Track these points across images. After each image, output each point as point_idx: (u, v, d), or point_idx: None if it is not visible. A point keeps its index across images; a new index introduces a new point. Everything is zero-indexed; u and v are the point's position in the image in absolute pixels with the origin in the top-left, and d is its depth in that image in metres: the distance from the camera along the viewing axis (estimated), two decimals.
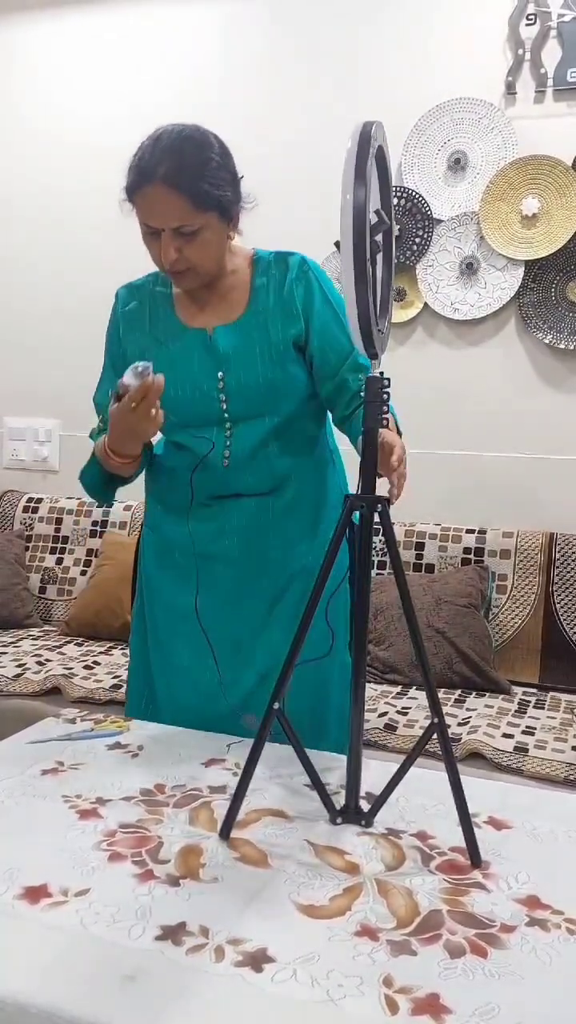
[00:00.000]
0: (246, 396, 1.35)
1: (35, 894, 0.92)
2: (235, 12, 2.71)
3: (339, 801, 1.14)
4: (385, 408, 1.10)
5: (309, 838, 1.08)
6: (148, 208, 1.25)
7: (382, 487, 1.11)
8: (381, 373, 1.10)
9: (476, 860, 1.03)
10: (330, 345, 1.36)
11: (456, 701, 2.07)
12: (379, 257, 1.11)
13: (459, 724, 1.90)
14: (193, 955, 0.83)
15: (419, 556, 2.43)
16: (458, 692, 2.14)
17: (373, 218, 1.03)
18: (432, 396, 2.57)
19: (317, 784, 1.12)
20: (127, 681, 1.59)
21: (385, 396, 1.10)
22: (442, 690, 2.14)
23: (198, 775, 1.26)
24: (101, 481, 1.41)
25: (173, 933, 0.87)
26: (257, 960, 0.83)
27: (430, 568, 2.41)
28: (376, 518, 1.08)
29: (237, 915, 0.90)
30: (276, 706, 1.08)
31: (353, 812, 1.13)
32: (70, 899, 0.92)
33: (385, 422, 1.10)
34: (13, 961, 0.82)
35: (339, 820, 1.12)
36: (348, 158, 0.96)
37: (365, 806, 1.13)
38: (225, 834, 1.07)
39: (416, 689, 2.14)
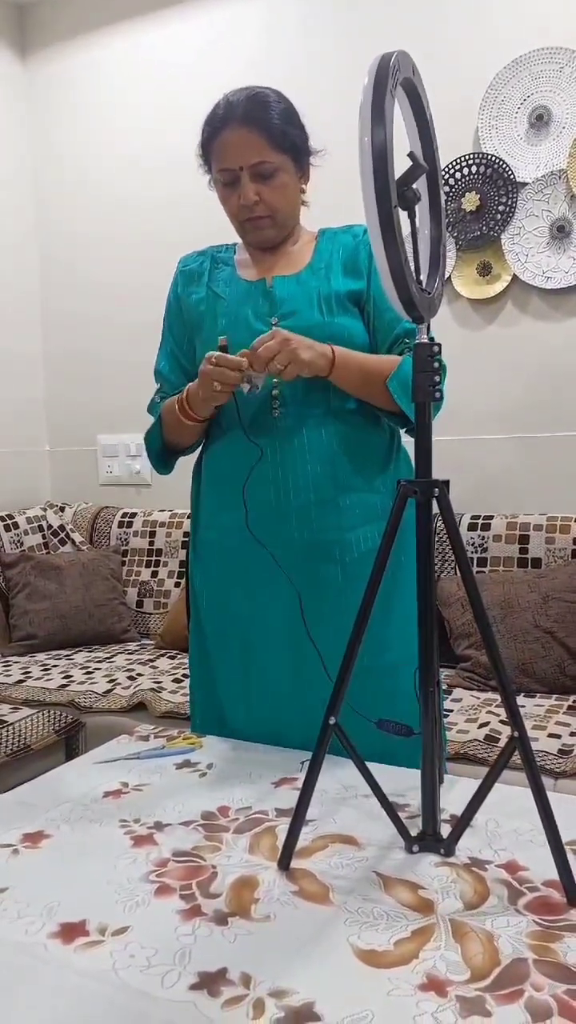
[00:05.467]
0: None
1: (71, 932, 0.85)
2: None
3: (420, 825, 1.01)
4: (436, 378, 0.97)
5: (379, 869, 0.96)
6: (227, 149, 1.28)
7: (439, 471, 0.98)
8: (431, 338, 0.97)
9: (573, 897, 0.87)
10: (387, 307, 1.33)
11: (569, 708, 1.87)
12: (421, 208, 0.99)
13: (572, 734, 1.71)
14: (229, 1009, 0.73)
15: (523, 550, 2.24)
16: (572, 699, 1.93)
17: (407, 162, 0.91)
18: (529, 375, 2.37)
19: (387, 806, 1.00)
20: (190, 699, 1.52)
21: (436, 365, 0.97)
22: (553, 696, 1.95)
23: (266, 796, 1.17)
24: (160, 446, 1.43)
25: (211, 981, 0.77)
26: (301, 1017, 0.72)
27: (536, 563, 2.21)
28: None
29: (285, 961, 0.80)
30: (332, 720, 0.97)
31: (432, 839, 1.00)
32: (107, 939, 0.84)
33: (438, 395, 0.97)
34: (32, 1012, 0.74)
35: (415, 848, 0.99)
36: (364, 95, 0.84)
37: (449, 831, 0.99)
38: (284, 864, 0.96)
39: (524, 696, 1.95)
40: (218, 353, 1.20)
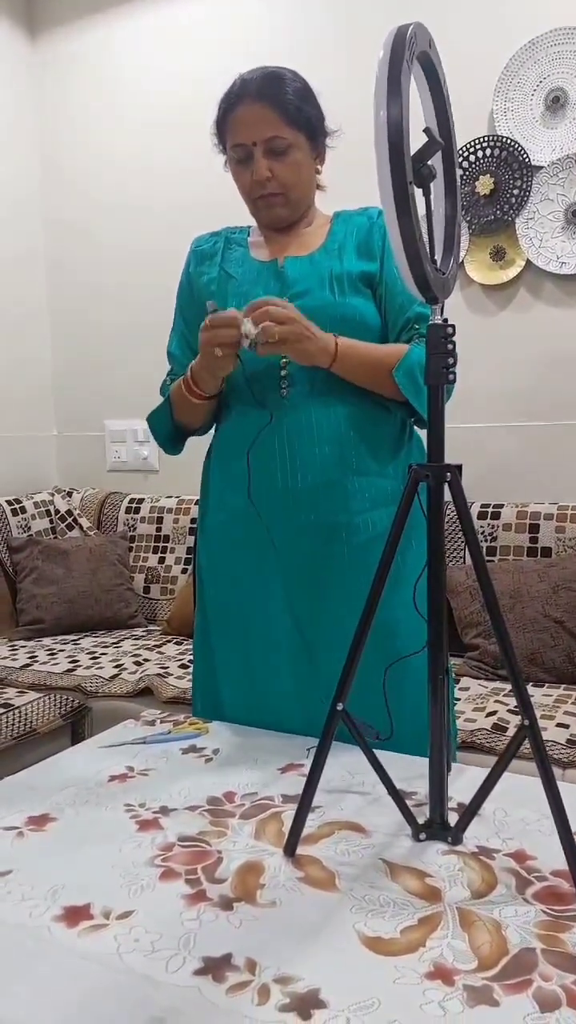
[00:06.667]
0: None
1: (75, 916, 0.85)
2: None
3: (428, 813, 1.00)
4: (450, 360, 0.95)
5: (385, 856, 0.95)
6: (240, 124, 1.27)
7: (449, 457, 0.96)
8: (445, 320, 0.95)
9: None
10: (399, 291, 1.31)
11: None
12: (436, 186, 0.97)
13: None
14: (234, 995, 0.72)
15: (533, 539, 2.22)
16: None
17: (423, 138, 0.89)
18: (541, 362, 2.35)
19: (394, 793, 0.99)
20: (192, 684, 1.51)
21: (450, 346, 0.95)
22: (562, 686, 1.94)
23: (272, 782, 1.16)
24: (170, 427, 1.42)
25: (216, 967, 0.76)
26: (306, 1004, 0.71)
27: (546, 552, 2.19)
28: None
29: (291, 947, 0.79)
30: (340, 706, 0.95)
31: (439, 827, 0.99)
32: (111, 922, 0.83)
33: (452, 376, 0.96)
34: (34, 995, 0.74)
35: (422, 836, 0.98)
36: (380, 68, 0.82)
37: (456, 819, 0.99)
38: (290, 851, 0.96)
39: (533, 685, 1.94)
40: (210, 315, 1.18)
